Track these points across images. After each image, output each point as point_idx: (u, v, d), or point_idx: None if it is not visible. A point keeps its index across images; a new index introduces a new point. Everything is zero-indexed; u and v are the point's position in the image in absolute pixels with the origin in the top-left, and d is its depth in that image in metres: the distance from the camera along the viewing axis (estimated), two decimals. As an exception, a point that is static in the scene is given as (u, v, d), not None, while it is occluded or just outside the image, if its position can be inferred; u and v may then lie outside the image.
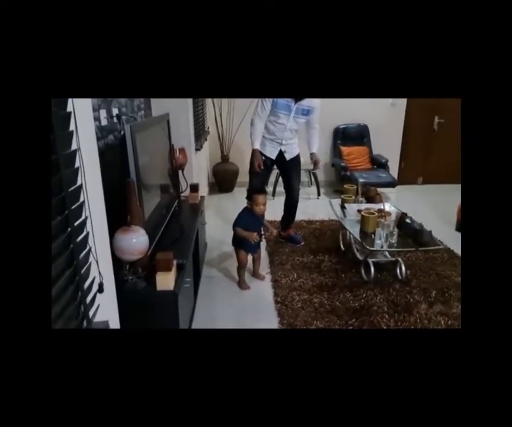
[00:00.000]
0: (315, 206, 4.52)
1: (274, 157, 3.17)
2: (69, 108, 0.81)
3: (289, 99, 2.88)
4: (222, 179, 5.11)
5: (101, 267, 1.03)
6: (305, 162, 5.07)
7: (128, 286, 1.79)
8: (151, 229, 2.10)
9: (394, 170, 5.13)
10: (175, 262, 1.90)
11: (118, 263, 1.76)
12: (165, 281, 1.79)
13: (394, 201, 3.91)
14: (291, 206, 3.44)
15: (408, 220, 2.51)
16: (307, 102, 2.96)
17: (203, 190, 4.12)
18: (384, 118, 5.17)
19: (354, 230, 2.76)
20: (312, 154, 3.27)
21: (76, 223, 0.88)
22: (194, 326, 2.36)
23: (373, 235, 2.60)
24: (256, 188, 2.63)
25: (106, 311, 1.10)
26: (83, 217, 0.91)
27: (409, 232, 2.47)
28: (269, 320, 2.36)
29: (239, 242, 2.63)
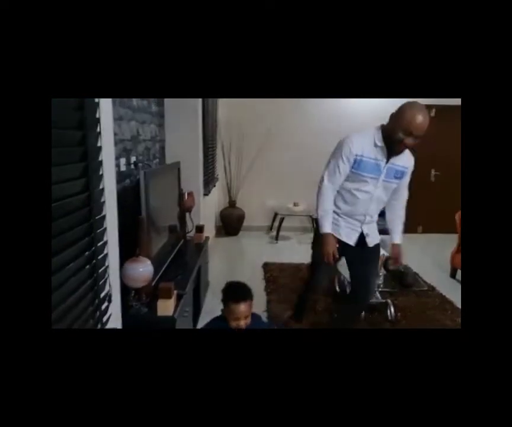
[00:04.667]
0: (316, 251, 4.72)
1: (352, 243, 2.14)
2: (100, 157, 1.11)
3: (378, 157, 1.94)
4: (229, 223, 5.40)
5: (111, 287, 1.28)
6: (308, 208, 5.30)
7: (133, 311, 2.01)
8: (157, 262, 2.36)
9: (393, 219, 5.34)
10: (175, 292, 2.12)
11: (125, 290, 2.00)
12: (165, 307, 2.01)
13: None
14: (357, 307, 2.42)
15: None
16: (401, 162, 2.00)
17: (210, 232, 4.39)
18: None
19: (346, 273, 2.95)
20: (394, 245, 2.25)
21: (99, 244, 1.14)
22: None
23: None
24: (236, 294, 1.59)
25: (114, 323, 1.34)
26: (104, 239, 1.18)
27: (395, 274, 2.66)
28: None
29: None
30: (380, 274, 2.67)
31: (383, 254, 3.06)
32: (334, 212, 2.10)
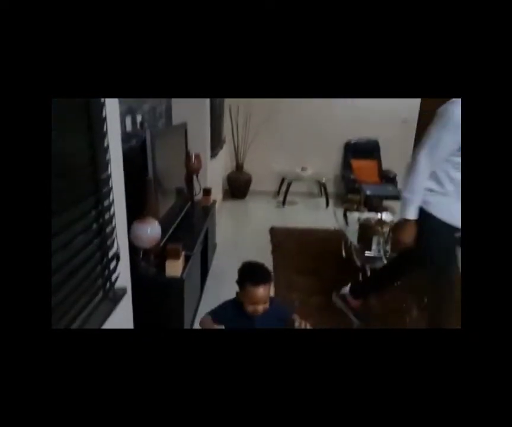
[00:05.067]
0: (323, 216, 4.71)
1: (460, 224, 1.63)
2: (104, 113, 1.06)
3: None
4: (236, 187, 5.37)
5: (119, 246, 1.27)
6: (316, 173, 5.25)
7: (142, 271, 2.04)
8: (165, 224, 2.36)
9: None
10: (183, 253, 2.14)
11: (134, 250, 2.02)
12: (173, 268, 2.03)
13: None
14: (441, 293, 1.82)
15: (402, 230, 2.67)
16: None
17: (217, 196, 4.37)
18: (395, 134, 5.33)
19: (353, 238, 2.94)
20: None
21: (105, 203, 1.13)
22: (198, 316, 2.56)
23: (371, 243, 2.78)
24: (255, 275, 1.38)
25: (123, 281, 1.35)
26: (111, 198, 1.16)
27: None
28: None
29: None
30: (388, 240, 2.65)
31: (392, 220, 3.03)
32: (438, 192, 1.66)
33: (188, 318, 2.28)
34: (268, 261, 3.36)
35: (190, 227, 2.73)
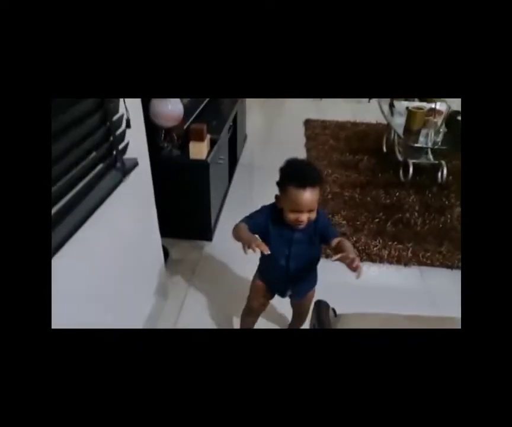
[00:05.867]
0: (364, 110, 4.28)
1: None
2: None
3: None
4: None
5: (127, 110, 1.13)
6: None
7: (164, 152, 1.94)
8: (189, 107, 2.18)
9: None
10: (208, 136, 1.99)
11: (154, 130, 1.89)
12: (198, 150, 1.90)
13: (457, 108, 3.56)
14: None
15: (458, 118, 2.31)
16: None
17: (248, 83, 4.04)
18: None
19: (399, 129, 2.63)
20: None
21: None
22: (226, 206, 2.52)
23: (418, 134, 2.47)
24: (301, 176, 1.09)
25: (136, 151, 1.23)
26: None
27: (458, 131, 2.30)
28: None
29: (261, 266, 1.40)
30: (441, 130, 2.32)
31: (449, 107, 2.63)
32: None
33: (215, 206, 2.23)
34: (301, 154, 3.16)
35: (217, 111, 2.54)
